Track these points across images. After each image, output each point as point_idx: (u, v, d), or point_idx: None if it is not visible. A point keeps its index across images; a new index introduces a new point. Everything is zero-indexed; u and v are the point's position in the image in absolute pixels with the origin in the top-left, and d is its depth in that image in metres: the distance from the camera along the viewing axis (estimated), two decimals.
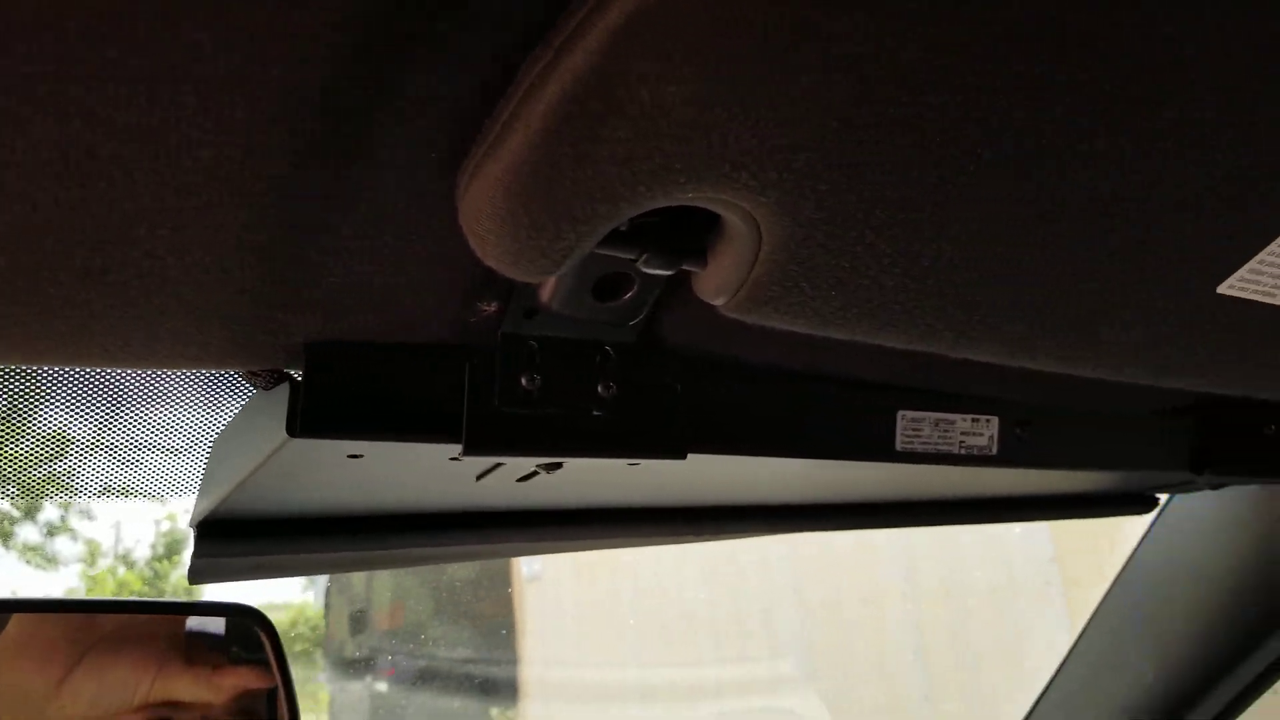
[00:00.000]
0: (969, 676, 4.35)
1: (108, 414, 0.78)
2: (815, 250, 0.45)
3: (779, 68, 0.35)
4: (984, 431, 0.73)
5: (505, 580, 7.05)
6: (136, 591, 7.23)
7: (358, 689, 7.45)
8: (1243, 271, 0.54)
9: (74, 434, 0.81)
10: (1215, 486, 0.91)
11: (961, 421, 0.71)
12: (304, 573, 0.80)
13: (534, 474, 0.63)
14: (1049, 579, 4.20)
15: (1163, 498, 1.02)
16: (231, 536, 0.68)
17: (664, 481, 0.76)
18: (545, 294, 0.53)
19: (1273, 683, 1.05)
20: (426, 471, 0.63)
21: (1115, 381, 0.70)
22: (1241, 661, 1.01)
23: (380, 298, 0.51)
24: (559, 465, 0.60)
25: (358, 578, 7.68)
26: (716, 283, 0.48)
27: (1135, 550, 1.07)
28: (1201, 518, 1.00)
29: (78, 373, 0.71)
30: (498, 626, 7.22)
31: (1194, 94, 0.41)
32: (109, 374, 0.72)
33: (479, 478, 0.63)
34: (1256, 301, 0.57)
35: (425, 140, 0.43)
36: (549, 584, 6.75)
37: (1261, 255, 0.53)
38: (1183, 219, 0.49)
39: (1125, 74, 0.39)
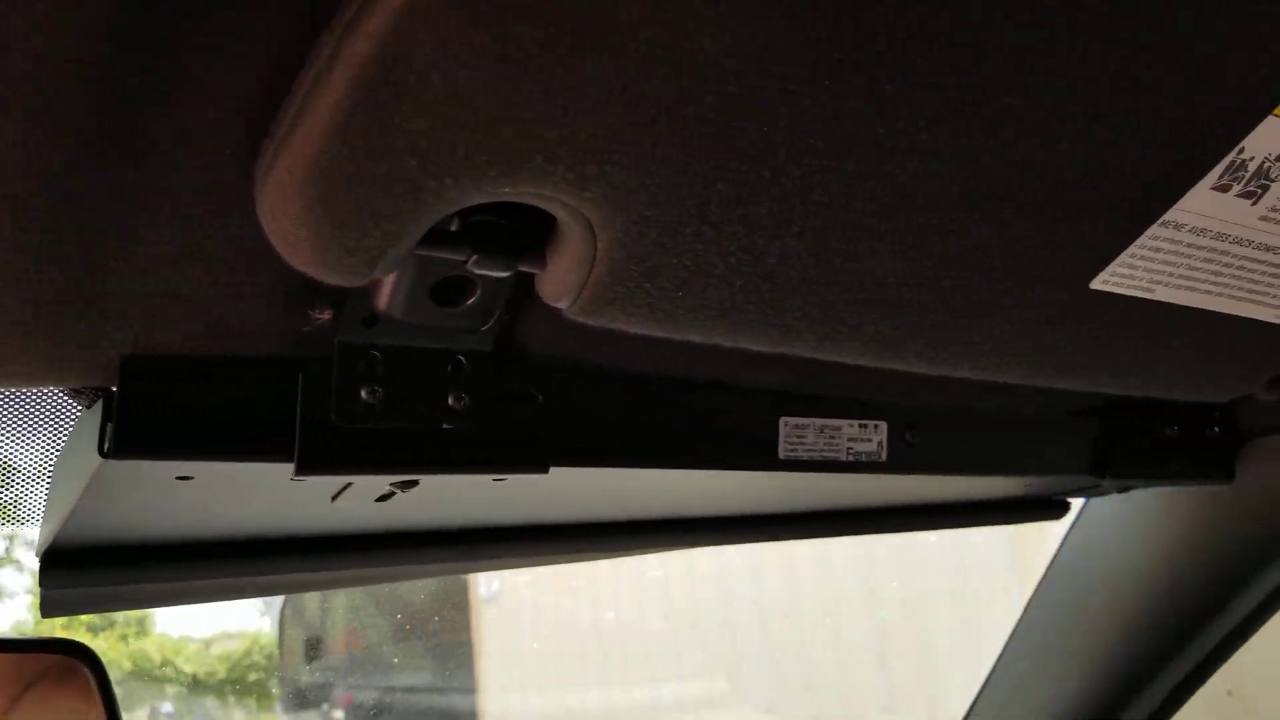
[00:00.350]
0: (930, 685, 4.36)
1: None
2: (652, 248, 0.42)
3: (578, 56, 0.33)
4: (872, 437, 0.70)
5: (463, 602, 6.96)
6: (88, 622, 7.05)
7: (314, 719, 7.29)
8: (1115, 266, 0.53)
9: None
10: (1123, 489, 0.90)
11: (848, 427, 0.69)
12: (168, 603, 0.76)
13: (391, 494, 0.59)
14: (1007, 585, 4.21)
15: (1077, 503, 1.01)
16: (78, 566, 0.64)
17: (546, 498, 0.73)
18: (382, 300, 0.50)
19: (1202, 682, 1.04)
20: (277, 493, 0.59)
21: (1015, 385, 0.68)
22: (1165, 665, 1.00)
23: (198, 306, 0.48)
24: (415, 483, 0.57)
25: (312, 603, 7.54)
26: (557, 285, 0.46)
27: (1053, 558, 1.06)
28: (1115, 521, 0.99)
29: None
30: (456, 650, 7.11)
31: (1038, 84, 0.40)
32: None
33: (334, 498, 0.59)
34: (1135, 297, 0.56)
35: (216, 134, 0.40)
36: (507, 604, 6.67)
37: (1132, 249, 0.52)
38: (1043, 214, 0.47)
39: (958, 61, 0.37)
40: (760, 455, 0.66)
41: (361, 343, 0.51)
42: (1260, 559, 0.91)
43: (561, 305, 0.47)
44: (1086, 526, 1.01)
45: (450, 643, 7.24)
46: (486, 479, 0.58)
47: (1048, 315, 0.56)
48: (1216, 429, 0.84)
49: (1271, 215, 0.52)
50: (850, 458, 0.70)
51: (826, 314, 0.50)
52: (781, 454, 0.67)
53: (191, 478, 0.53)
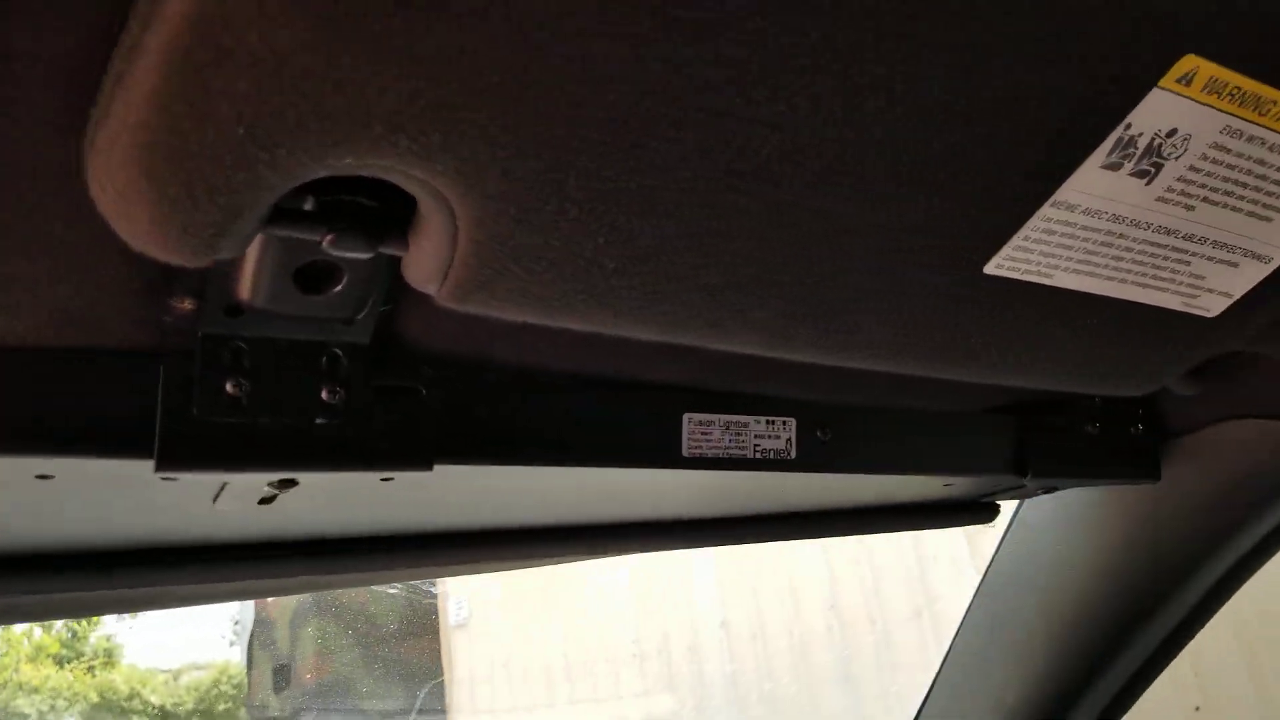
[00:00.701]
0: (894, 702, 4.34)
1: None
2: (512, 226, 0.41)
3: (405, 14, 0.31)
4: (781, 434, 0.69)
5: (432, 628, 6.88)
6: (54, 654, 6.93)
7: None
8: (1008, 250, 0.51)
9: None
10: (1048, 490, 0.88)
11: (755, 424, 0.68)
12: (53, 616, 0.72)
13: (273, 496, 0.57)
14: (968, 600, 4.19)
15: (1011, 506, 1.00)
16: None
17: (455, 502, 0.70)
18: (244, 287, 0.48)
19: (1148, 682, 1.03)
20: (156, 496, 0.57)
21: (927, 380, 0.67)
22: (1107, 666, 0.99)
23: (42, 293, 0.46)
24: (293, 483, 0.54)
25: (282, 632, 7.43)
26: (423, 269, 0.44)
27: (990, 561, 1.04)
28: (1049, 524, 0.98)
29: None
30: (426, 675, 7.02)
31: (905, 51, 0.38)
32: None
33: (215, 500, 0.57)
34: (1034, 284, 0.54)
35: (39, 106, 0.38)
36: (477, 629, 6.61)
37: (1024, 232, 0.50)
38: (921, 192, 0.45)
39: (815, 25, 0.36)
40: (662, 453, 0.64)
41: (226, 333, 0.49)
42: (1194, 557, 0.90)
43: (430, 290, 0.45)
44: (1021, 529, 1.00)
45: (420, 668, 7.14)
46: (374, 479, 0.56)
47: (939, 302, 0.54)
48: (1139, 426, 0.83)
49: (1168, 196, 0.50)
50: (758, 455, 0.68)
51: (710, 300, 0.48)
52: (685, 451, 0.65)
53: (52, 476, 0.51)
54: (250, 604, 7.92)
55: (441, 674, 6.73)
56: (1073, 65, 0.41)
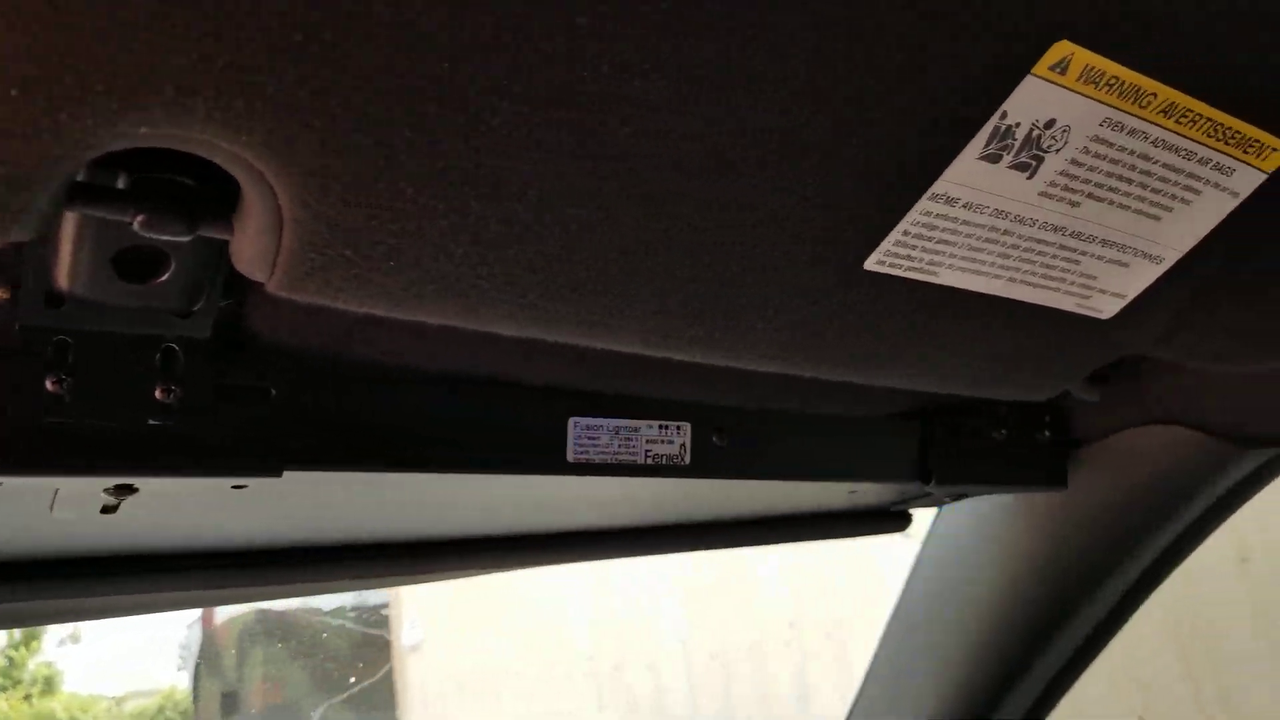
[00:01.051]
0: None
1: None
2: (340, 207, 0.38)
3: None
4: (674, 439, 0.67)
5: (384, 651, 6.75)
6: None
7: None
8: (888, 245, 0.49)
9: None
10: (956, 497, 0.88)
11: (647, 429, 0.66)
12: None
13: (115, 505, 0.54)
14: None
15: (930, 514, 0.99)
16: None
17: (320, 513, 0.67)
18: (61, 274, 0.44)
19: (1065, 689, 1.03)
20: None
21: (828, 384, 0.65)
22: (1024, 672, 0.98)
23: None
24: (132, 489, 0.51)
25: (229, 657, 7.25)
26: (250, 254, 0.41)
27: (910, 570, 1.03)
28: (965, 532, 0.97)
29: None
30: (377, 699, 6.88)
31: (765, 31, 0.36)
32: None
33: (51, 508, 0.54)
34: (920, 281, 0.52)
35: None
36: (430, 652, 6.49)
37: (904, 226, 0.48)
38: (792, 182, 0.43)
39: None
40: (545, 458, 0.62)
41: (46, 325, 0.46)
42: (1103, 564, 0.89)
43: (261, 279, 0.42)
44: (936, 538, 1.00)
45: (372, 692, 7.00)
46: (223, 486, 0.53)
47: (825, 301, 0.52)
48: (1046, 433, 0.82)
49: (1051, 191, 0.48)
50: (649, 461, 0.66)
51: (577, 295, 0.46)
52: (571, 457, 0.63)
53: None
54: (198, 629, 7.74)
55: (394, 697, 6.61)
56: (942, 50, 0.39)
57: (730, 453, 0.69)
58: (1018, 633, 0.95)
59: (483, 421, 0.60)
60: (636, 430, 0.65)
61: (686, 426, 0.67)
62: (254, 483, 0.55)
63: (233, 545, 0.71)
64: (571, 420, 0.63)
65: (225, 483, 0.53)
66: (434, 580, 0.91)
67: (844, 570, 4.37)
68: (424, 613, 6.51)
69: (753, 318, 0.52)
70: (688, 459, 0.67)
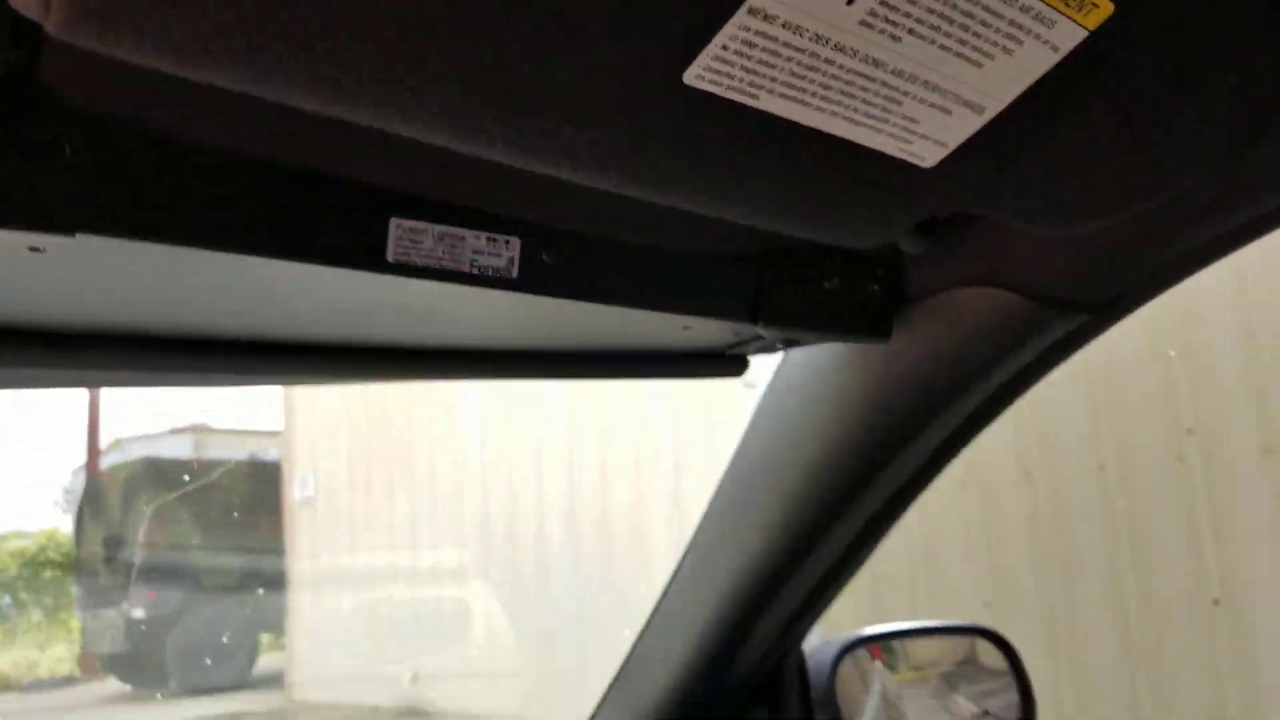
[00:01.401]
0: None
1: None
2: None
3: None
4: (502, 253, 0.68)
5: (275, 505, 6.77)
6: None
7: (112, 616, 6.99)
8: (707, 59, 0.49)
9: None
10: (788, 343, 0.91)
11: (474, 239, 0.66)
12: None
13: None
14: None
15: (774, 362, 1.03)
16: None
17: (132, 297, 0.66)
18: None
19: (877, 540, 1.11)
20: None
21: (670, 215, 0.66)
22: (841, 515, 1.04)
23: None
24: None
25: (113, 501, 7.17)
26: None
27: (748, 421, 1.08)
28: (797, 384, 1.01)
29: None
30: (266, 550, 6.94)
31: None
32: None
33: None
34: (740, 104, 0.53)
35: None
36: (322, 507, 6.53)
37: (723, 39, 0.48)
38: None
39: None
40: (364, 255, 0.62)
41: None
42: (918, 419, 0.95)
43: (35, 17, 0.41)
44: (770, 393, 1.04)
45: (261, 544, 7.04)
46: (21, 247, 0.52)
47: (641, 111, 0.52)
48: (876, 286, 0.85)
49: (871, 21, 0.48)
50: (475, 270, 0.66)
51: (378, 70, 0.46)
52: (391, 257, 0.63)
53: None
54: (81, 472, 7.58)
55: (283, 548, 6.66)
56: None
57: (560, 270, 0.70)
58: (839, 479, 1.01)
59: (297, 208, 0.59)
60: (463, 239, 0.65)
61: (516, 241, 0.68)
62: (52, 249, 0.54)
63: (38, 323, 0.69)
64: (394, 220, 0.63)
65: (20, 243, 0.52)
66: (256, 384, 0.91)
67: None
68: (316, 467, 6.53)
69: (565, 123, 0.52)
70: (515, 272, 0.68)
